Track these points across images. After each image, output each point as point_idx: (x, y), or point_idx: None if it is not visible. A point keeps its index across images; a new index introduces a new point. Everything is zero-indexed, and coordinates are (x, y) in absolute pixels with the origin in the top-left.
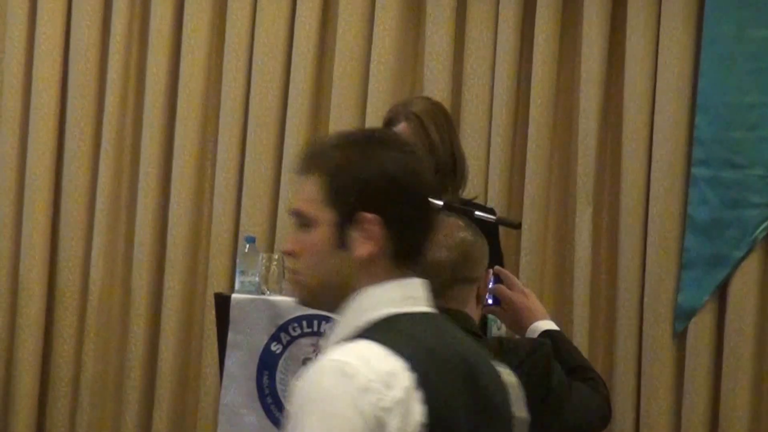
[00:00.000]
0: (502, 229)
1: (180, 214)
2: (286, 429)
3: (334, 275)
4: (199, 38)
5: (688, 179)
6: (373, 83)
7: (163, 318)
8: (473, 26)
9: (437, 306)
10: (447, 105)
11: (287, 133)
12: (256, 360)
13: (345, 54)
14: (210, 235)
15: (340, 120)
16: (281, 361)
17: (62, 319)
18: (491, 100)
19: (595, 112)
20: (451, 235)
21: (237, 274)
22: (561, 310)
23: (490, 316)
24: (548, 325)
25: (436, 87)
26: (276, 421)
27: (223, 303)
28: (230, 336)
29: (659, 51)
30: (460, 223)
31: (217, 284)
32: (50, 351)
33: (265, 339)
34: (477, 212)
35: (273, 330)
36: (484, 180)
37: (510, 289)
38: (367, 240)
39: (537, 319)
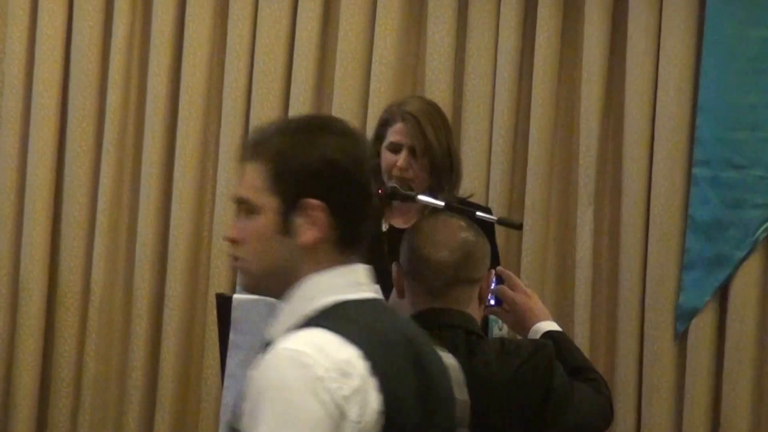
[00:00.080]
0: (503, 230)
1: (182, 215)
2: (241, 422)
3: (279, 262)
4: (201, 38)
5: (689, 179)
6: (375, 83)
7: (164, 318)
8: (474, 26)
9: (439, 306)
10: (448, 105)
11: None
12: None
13: (346, 54)
14: (212, 235)
15: None
16: None
17: (63, 320)
18: (492, 100)
19: (597, 113)
20: (453, 235)
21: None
22: (562, 311)
23: (491, 316)
24: (550, 325)
25: (437, 87)
26: None
27: (224, 303)
28: (232, 336)
29: (660, 51)
30: (462, 223)
31: (218, 285)
32: (51, 351)
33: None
34: (478, 212)
35: None
36: (485, 180)
37: (512, 289)
38: (311, 226)
39: (539, 320)
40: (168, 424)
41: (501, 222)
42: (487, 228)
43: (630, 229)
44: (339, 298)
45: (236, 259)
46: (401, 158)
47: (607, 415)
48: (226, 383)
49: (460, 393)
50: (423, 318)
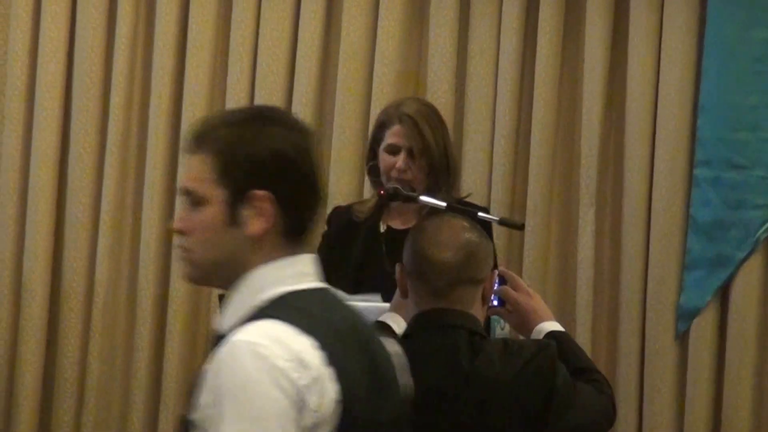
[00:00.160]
0: (505, 231)
1: None
2: (195, 413)
3: (226, 253)
4: (204, 40)
5: (691, 180)
6: (377, 84)
7: (168, 319)
8: (476, 28)
9: (442, 307)
10: (450, 106)
11: None
12: None
13: (349, 55)
14: None
15: (345, 121)
16: None
17: (67, 321)
18: (494, 101)
19: (598, 113)
20: (457, 236)
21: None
22: (564, 311)
23: (493, 317)
24: (553, 326)
25: (439, 88)
26: None
27: None
28: None
29: (662, 52)
30: (465, 224)
31: None
32: (55, 352)
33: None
34: (480, 213)
35: None
36: (487, 181)
37: (515, 290)
38: (258, 217)
39: (542, 321)
40: (173, 424)
41: (502, 222)
42: (486, 228)
43: (631, 229)
44: (287, 288)
45: (184, 250)
46: (400, 160)
47: (609, 415)
48: None
49: (405, 379)
50: (426, 318)
